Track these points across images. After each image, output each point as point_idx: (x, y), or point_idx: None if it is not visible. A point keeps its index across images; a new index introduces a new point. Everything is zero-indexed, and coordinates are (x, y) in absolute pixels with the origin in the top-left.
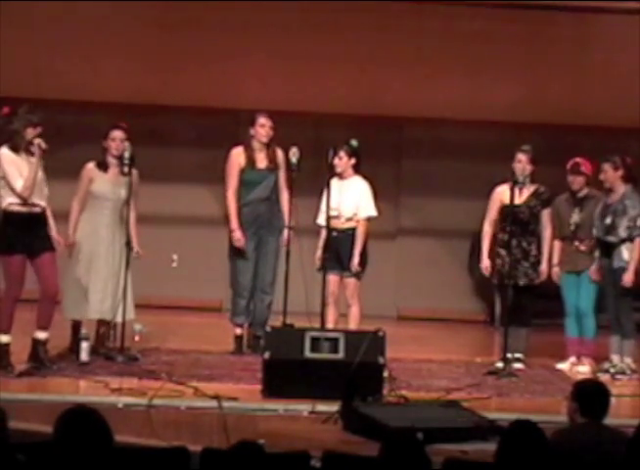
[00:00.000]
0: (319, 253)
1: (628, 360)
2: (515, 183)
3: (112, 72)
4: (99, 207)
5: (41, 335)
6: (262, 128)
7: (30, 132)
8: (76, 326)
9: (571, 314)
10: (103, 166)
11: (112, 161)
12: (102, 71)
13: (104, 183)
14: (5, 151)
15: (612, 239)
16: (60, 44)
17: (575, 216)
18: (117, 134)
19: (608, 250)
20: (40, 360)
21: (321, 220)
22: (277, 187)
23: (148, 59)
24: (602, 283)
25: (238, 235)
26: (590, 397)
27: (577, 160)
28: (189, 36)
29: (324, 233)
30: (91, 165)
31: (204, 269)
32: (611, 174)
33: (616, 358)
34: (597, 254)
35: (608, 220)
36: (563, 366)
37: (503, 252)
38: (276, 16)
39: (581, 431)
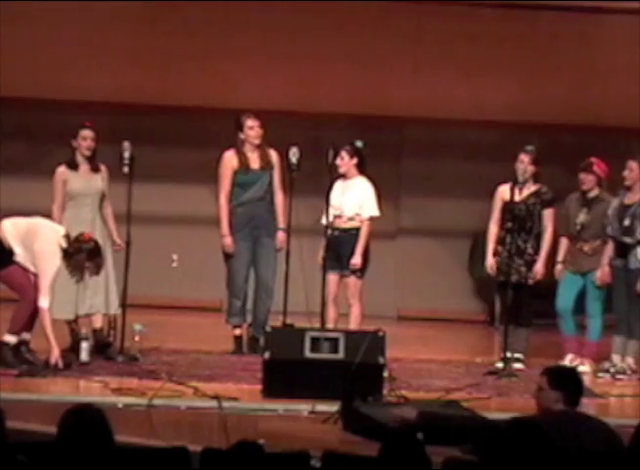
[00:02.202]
0: (321, 253)
1: (630, 361)
2: (515, 183)
3: (111, 73)
4: (79, 204)
5: (26, 336)
6: (252, 130)
7: (81, 259)
8: (74, 326)
9: (564, 313)
10: (73, 166)
11: (81, 159)
12: (102, 72)
13: (78, 181)
14: (59, 257)
15: (628, 240)
16: (60, 44)
17: (582, 217)
18: (88, 134)
19: (623, 250)
20: (26, 360)
21: (325, 221)
22: (271, 187)
23: (148, 59)
24: (608, 285)
25: (228, 241)
26: (573, 384)
27: (591, 159)
28: (189, 36)
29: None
30: (62, 168)
31: (204, 269)
32: (636, 173)
33: (616, 358)
34: (611, 254)
35: (626, 222)
36: None
37: (500, 249)
38: (276, 16)
39: (561, 419)
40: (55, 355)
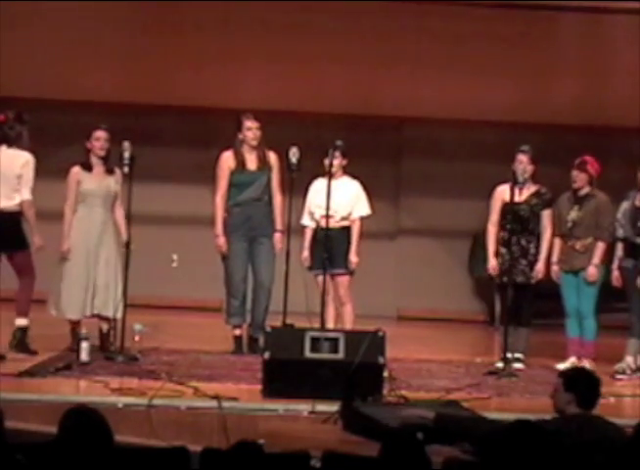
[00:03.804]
0: (306, 253)
1: (630, 359)
2: (515, 183)
3: (111, 73)
4: (90, 204)
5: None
6: (250, 132)
7: (25, 133)
8: (75, 326)
9: (571, 314)
10: (87, 167)
11: (95, 160)
12: (102, 72)
13: (91, 181)
14: (28, 154)
15: None
16: (60, 44)
17: (573, 214)
18: (101, 134)
19: (635, 251)
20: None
21: (306, 221)
22: (269, 188)
23: (148, 59)
24: (604, 285)
25: (220, 242)
26: (586, 387)
27: (586, 158)
28: (189, 37)
29: (308, 233)
30: (76, 169)
31: (204, 269)
32: None
33: (630, 359)
34: (620, 255)
35: None
36: (563, 367)
37: (503, 250)
38: (276, 16)
39: (574, 422)
40: (37, 241)
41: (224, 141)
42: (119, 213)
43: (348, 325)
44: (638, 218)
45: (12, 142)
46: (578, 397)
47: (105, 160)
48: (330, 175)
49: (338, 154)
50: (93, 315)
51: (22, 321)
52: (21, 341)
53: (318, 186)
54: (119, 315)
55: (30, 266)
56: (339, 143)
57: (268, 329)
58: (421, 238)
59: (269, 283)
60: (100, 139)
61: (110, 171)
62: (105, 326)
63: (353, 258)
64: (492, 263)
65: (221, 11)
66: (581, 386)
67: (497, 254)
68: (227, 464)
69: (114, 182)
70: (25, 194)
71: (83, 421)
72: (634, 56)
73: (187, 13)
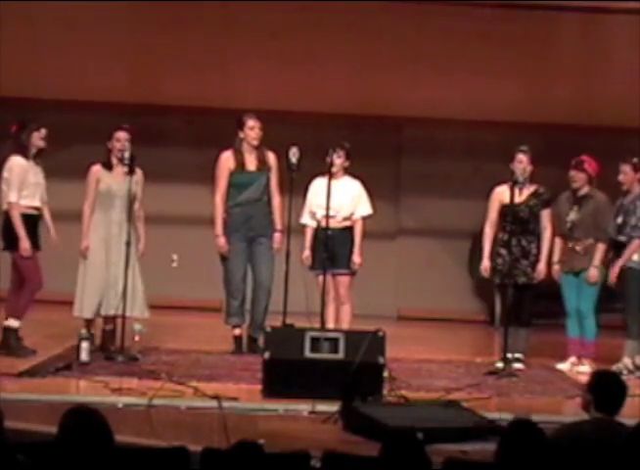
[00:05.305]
0: (307, 252)
1: (627, 361)
2: (515, 183)
3: (112, 73)
4: (109, 205)
5: (16, 323)
6: (252, 131)
7: (36, 137)
8: (88, 326)
9: (572, 315)
10: (108, 166)
11: (116, 161)
12: (102, 72)
13: (111, 181)
14: (19, 159)
15: (622, 238)
16: (60, 44)
17: (573, 215)
18: (122, 135)
19: (622, 249)
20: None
21: (306, 220)
22: (268, 188)
23: (148, 59)
24: (604, 285)
25: (221, 242)
26: (606, 390)
27: (583, 157)
28: (189, 37)
29: (309, 233)
30: (97, 167)
31: (204, 269)
32: (630, 176)
33: (627, 360)
34: (613, 254)
35: (619, 220)
36: (563, 366)
37: (503, 251)
38: (276, 16)
39: (590, 426)
40: (25, 245)
41: (224, 141)
42: (139, 215)
43: (345, 325)
44: (618, 215)
45: (19, 151)
46: (597, 399)
47: (122, 160)
48: (330, 175)
49: (342, 153)
50: (115, 316)
51: (13, 322)
52: (11, 342)
53: (319, 185)
54: (147, 315)
55: (25, 271)
56: (346, 145)
57: (268, 329)
58: (421, 238)
59: (269, 283)
60: (120, 140)
61: (130, 172)
62: (110, 325)
63: (357, 258)
64: (485, 264)
65: (221, 11)
66: (600, 389)
67: (498, 254)
68: (227, 464)
69: (133, 183)
70: (9, 196)
71: (83, 421)
72: (634, 56)
73: (187, 13)
